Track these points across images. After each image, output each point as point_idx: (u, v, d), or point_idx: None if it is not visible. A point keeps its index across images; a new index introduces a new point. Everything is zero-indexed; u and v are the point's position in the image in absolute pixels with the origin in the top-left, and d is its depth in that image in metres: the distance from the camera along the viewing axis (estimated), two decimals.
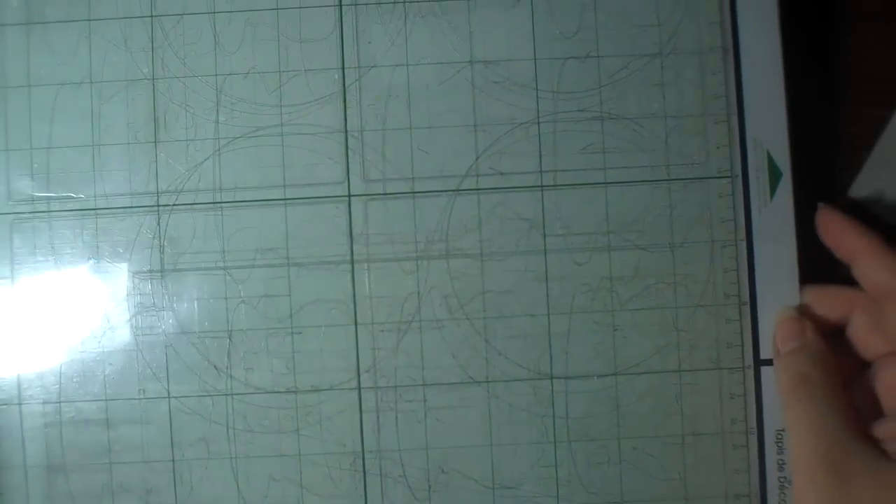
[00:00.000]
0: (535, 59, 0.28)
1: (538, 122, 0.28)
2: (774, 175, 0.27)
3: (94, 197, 0.29)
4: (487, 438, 0.28)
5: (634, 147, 0.28)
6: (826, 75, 0.29)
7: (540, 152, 0.28)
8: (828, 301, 0.27)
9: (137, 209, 0.29)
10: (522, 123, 0.28)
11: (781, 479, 0.28)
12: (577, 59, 0.28)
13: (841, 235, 0.26)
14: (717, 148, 0.28)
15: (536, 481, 0.28)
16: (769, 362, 0.28)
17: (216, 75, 0.28)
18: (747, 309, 0.28)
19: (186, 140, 0.28)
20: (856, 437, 0.24)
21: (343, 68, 0.28)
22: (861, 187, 0.28)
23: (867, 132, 0.28)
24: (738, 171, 0.28)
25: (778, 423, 0.28)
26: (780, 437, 0.28)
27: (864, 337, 0.26)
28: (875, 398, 0.26)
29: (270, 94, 0.28)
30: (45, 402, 0.29)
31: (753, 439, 0.28)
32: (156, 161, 0.28)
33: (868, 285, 0.25)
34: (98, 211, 0.28)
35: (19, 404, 0.28)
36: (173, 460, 0.29)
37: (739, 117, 0.28)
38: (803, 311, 0.27)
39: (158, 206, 0.28)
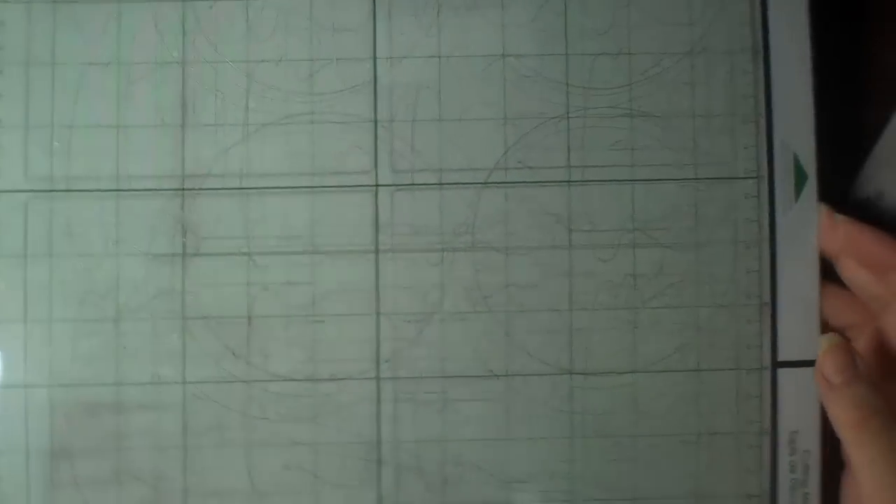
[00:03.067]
0: (566, 54, 0.28)
1: (568, 118, 0.28)
2: (800, 177, 0.28)
3: (117, 178, 0.28)
4: (504, 432, 0.28)
5: (662, 145, 0.28)
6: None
7: (568, 147, 0.28)
8: (844, 316, 0.27)
9: (161, 192, 0.28)
10: (552, 118, 0.28)
11: (793, 481, 0.28)
12: (608, 55, 0.28)
13: (874, 248, 0.25)
14: (745, 148, 0.28)
15: (550, 476, 0.28)
16: (787, 364, 0.28)
17: (247, 61, 0.28)
18: (768, 310, 0.28)
19: (215, 125, 0.28)
20: None
21: (375, 58, 0.28)
22: (861, 187, 0.28)
23: (868, 133, 0.28)
24: (764, 172, 0.28)
25: (792, 425, 0.28)
26: (793, 438, 0.28)
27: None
28: None
29: (301, 82, 0.28)
30: (51, 386, 0.28)
31: (767, 440, 0.28)
32: (182, 145, 0.28)
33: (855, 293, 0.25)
34: (120, 192, 0.28)
35: (24, 387, 0.27)
36: (185, 447, 0.28)
37: (767, 119, 0.28)
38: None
39: (184, 189, 0.28)
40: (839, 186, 0.29)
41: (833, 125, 0.28)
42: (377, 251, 0.28)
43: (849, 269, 0.26)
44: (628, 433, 0.28)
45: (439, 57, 0.28)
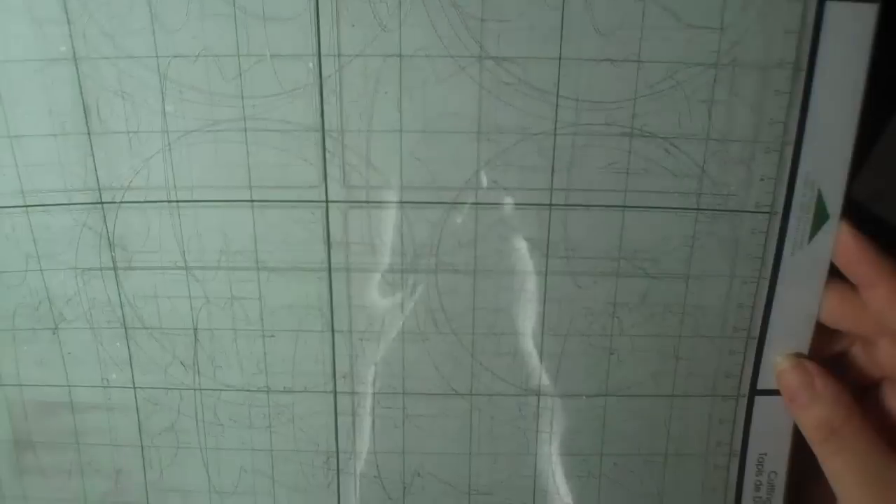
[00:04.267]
0: (559, 58, 0.23)
1: (555, 134, 0.23)
2: (820, 217, 0.24)
3: (22, 193, 0.24)
4: (466, 447, 0.27)
5: (664, 170, 0.24)
6: None
7: (553, 168, 0.24)
8: (850, 321, 0.25)
9: (76, 206, 0.24)
10: (536, 134, 0.23)
11: (756, 499, 0.28)
12: (611, 62, 0.22)
13: (856, 262, 0.23)
14: (761, 180, 0.24)
15: (513, 490, 0.28)
16: (766, 392, 0.27)
17: (157, 57, 0.22)
18: (754, 343, 0.26)
19: (128, 132, 0.23)
20: None
21: (319, 55, 0.23)
22: (861, 187, 0.25)
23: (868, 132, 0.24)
24: (779, 207, 0.24)
25: (762, 447, 0.27)
26: (761, 459, 0.27)
27: (885, 364, 0.25)
28: (890, 416, 0.25)
29: (228, 82, 0.23)
30: (3, 385, 0.28)
31: (735, 461, 0.27)
32: (91, 154, 0.24)
33: (883, 322, 0.23)
34: (29, 209, 0.24)
35: None
36: (142, 446, 0.28)
37: (796, 148, 0.23)
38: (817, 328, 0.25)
39: (102, 202, 0.24)
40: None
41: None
42: (330, 269, 0.25)
43: (881, 305, 0.24)
44: (595, 452, 0.28)
45: (400, 56, 0.23)
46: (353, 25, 0.22)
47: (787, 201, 0.24)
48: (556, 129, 0.23)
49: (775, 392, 0.26)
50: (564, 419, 0.27)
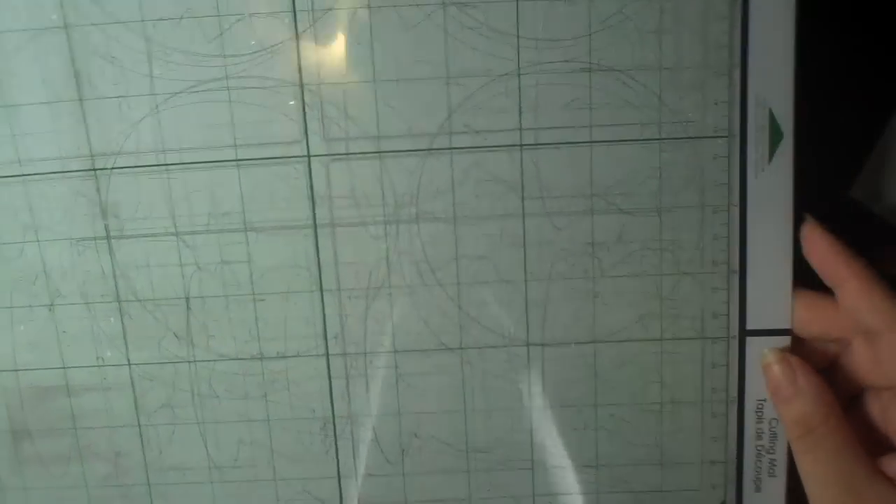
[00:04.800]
0: (516, 0, 0.24)
1: (518, 75, 0.25)
2: (775, 135, 0.25)
3: (19, 162, 0.25)
4: (461, 404, 0.27)
5: (624, 103, 0.25)
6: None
7: (520, 108, 0.25)
8: (821, 326, 0.25)
9: (71, 174, 0.26)
10: (501, 76, 0.25)
11: (759, 447, 0.27)
12: (564, 1, 0.24)
13: (827, 260, 0.24)
14: (715, 104, 0.25)
15: (511, 446, 0.28)
16: (755, 332, 0.27)
17: (142, 21, 0.24)
18: (736, 278, 0.26)
19: (118, 97, 0.25)
20: (869, 478, 0.23)
21: (294, 11, 0.24)
22: (861, 187, 0.26)
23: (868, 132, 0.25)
24: (736, 130, 0.25)
25: (759, 393, 0.27)
26: (760, 406, 0.27)
27: (859, 366, 0.24)
28: (874, 425, 0.25)
29: (210, 42, 0.25)
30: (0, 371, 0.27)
31: (733, 408, 0.27)
32: (84, 121, 0.25)
33: (855, 319, 0.24)
34: (26, 178, 0.25)
35: None
36: (139, 425, 0.28)
37: (742, 70, 0.24)
38: (794, 341, 0.26)
39: (95, 169, 0.26)
40: (835, 184, 0.26)
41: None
42: (315, 226, 0.26)
43: (853, 302, 0.24)
44: (589, 403, 0.28)
45: (369, 7, 0.24)
46: None
47: (742, 123, 0.25)
48: (519, 69, 0.25)
49: (767, 332, 0.27)
50: (556, 369, 0.27)
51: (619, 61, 0.25)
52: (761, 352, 0.26)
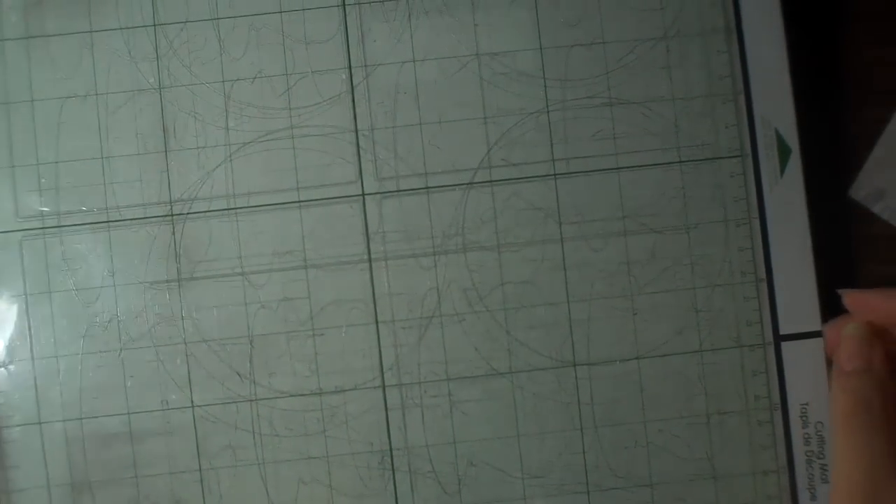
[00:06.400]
0: (540, 48, 0.28)
1: (548, 111, 0.28)
2: (783, 152, 0.28)
3: (106, 209, 0.28)
4: (514, 429, 0.28)
5: (644, 131, 0.28)
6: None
7: (551, 141, 0.28)
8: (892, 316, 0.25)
9: (151, 220, 0.28)
10: (532, 113, 0.28)
11: (808, 454, 0.28)
12: (582, 46, 0.28)
13: (876, 308, 0.25)
14: (726, 128, 0.28)
15: (565, 469, 0.28)
16: (790, 337, 0.28)
17: (223, 81, 0.28)
18: (764, 286, 0.28)
19: (197, 148, 0.28)
20: None
21: (350, 68, 0.28)
22: (861, 187, 0.28)
23: (868, 132, 0.28)
24: (748, 149, 0.28)
25: (802, 397, 0.28)
26: (804, 411, 0.28)
27: None
28: None
29: (279, 97, 0.28)
30: (65, 420, 0.29)
31: (778, 415, 0.28)
32: (167, 170, 0.28)
33: None
34: (111, 224, 0.28)
35: (39, 423, 0.28)
36: (200, 469, 0.28)
37: (746, 96, 0.28)
38: (869, 328, 0.25)
39: (172, 215, 0.28)
40: (839, 186, 0.28)
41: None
42: (370, 260, 0.28)
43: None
44: (638, 419, 0.28)
45: (413, 61, 0.28)
46: (375, 41, 0.29)
47: (752, 143, 0.28)
48: (548, 106, 0.29)
49: (800, 336, 0.28)
50: (603, 388, 0.28)
51: (635, 95, 0.28)
52: (797, 354, 0.27)
